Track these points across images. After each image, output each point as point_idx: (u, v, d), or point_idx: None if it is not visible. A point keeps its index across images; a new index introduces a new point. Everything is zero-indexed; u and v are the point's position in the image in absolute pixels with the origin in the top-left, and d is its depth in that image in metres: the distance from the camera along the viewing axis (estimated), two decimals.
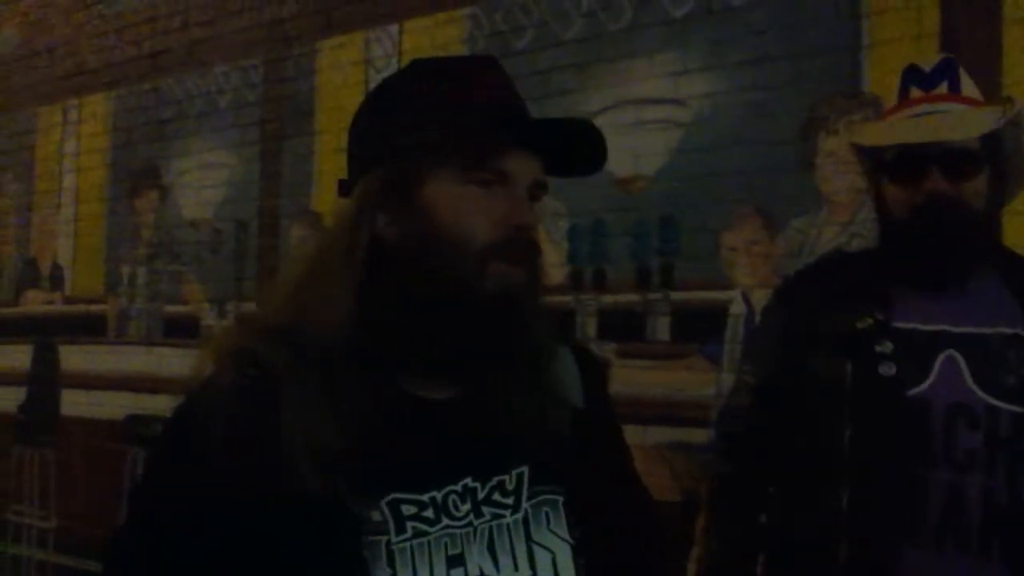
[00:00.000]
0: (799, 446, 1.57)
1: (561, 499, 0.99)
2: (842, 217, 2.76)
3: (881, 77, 2.71)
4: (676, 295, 2.94)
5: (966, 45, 2.62)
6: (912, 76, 1.53)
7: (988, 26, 2.62)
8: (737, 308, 2.84)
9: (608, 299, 3.07)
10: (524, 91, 1.06)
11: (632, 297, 3.01)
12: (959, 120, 1.46)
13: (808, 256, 2.75)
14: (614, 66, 3.19)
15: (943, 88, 1.49)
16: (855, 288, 1.55)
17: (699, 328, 2.90)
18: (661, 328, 2.97)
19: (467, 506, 0.95)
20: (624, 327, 3.03)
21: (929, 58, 1.61)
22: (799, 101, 2.83)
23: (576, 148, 1.01)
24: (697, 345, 2.90)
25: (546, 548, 0.97)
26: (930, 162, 1.43)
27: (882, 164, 1.50)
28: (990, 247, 1.57)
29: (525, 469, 0.98)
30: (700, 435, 2.75)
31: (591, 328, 3.07)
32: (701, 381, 2.82)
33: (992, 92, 2.52)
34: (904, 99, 1.52)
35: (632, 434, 1.16)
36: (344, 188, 1.03)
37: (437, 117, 0.97)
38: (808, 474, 1.57)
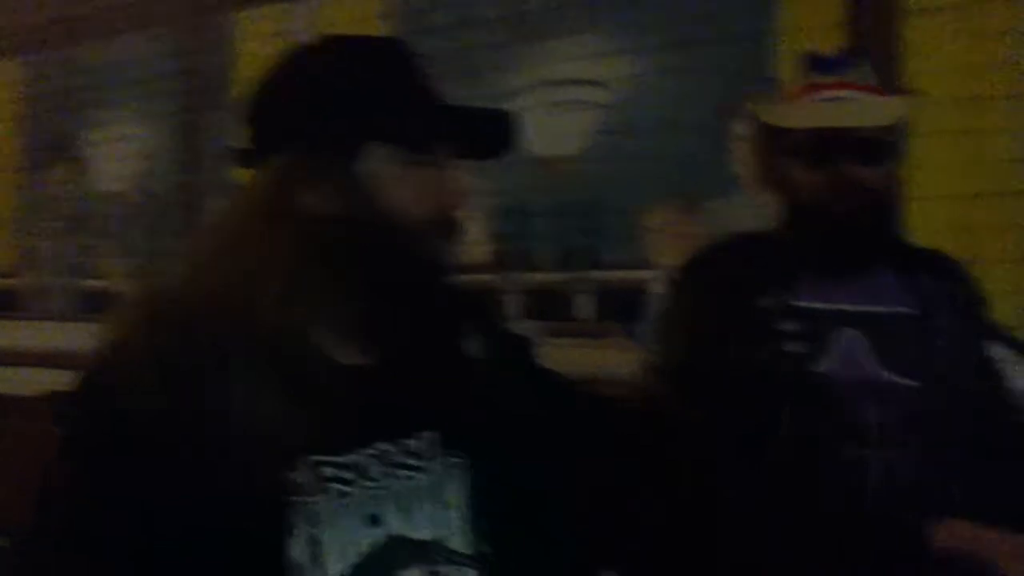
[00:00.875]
0: (709, 425, 1.62)
1: (469, 463, 1.04)
2: (759, 199, 2.86)
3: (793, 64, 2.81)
4: (599, 275, 3.02)
5: (871, 34, 2.73)
6: (816, 63, 1.56)
7: (891, 16, 2.73)
8: (658, 288, 2.93)
9: (532, 278, 3.14)
10: (443, 69, 1.11)
11: (556, 277, 3.09)
12: (875, 108, 1.53)
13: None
14: (536, 46, 3.23)
15: (851, 76, 1.54)
16: (759, 268, 1.57)
17: (622, 307, 2.98)
18: (586, 307, 3.05)
19: (383, 468, 0.99)
20: (549, 306, 3.10)
21: (833, 45, 1.68)
22: (716, 85, 2.91)
23: (493, 135, 1.08)
24: (621, 324, 2.98)
25: (456, 508, 1.03)
26: (845, 147, 1.48)
27: (792, 147, 1.53)
28: (894, 232, 1.66)
29: (437, 434, 1.03)
30: None
31: (516, 307, 3.14)
32: (624, 360, 2.90)
33: (893, 81, 2.65)
34: (811, 84, 1.54)
35: None
36: (248, 159, 1.04)
37: (374, 99, 1.01)
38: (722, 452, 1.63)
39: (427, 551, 1.00)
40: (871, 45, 2.73)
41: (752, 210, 2.86)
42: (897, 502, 1.53)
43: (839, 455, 1.52)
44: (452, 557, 1.01)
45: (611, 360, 2.96)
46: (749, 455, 1.51)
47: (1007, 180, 2.66)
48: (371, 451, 0.99)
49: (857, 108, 1.52)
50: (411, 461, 1.01)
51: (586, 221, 3.03)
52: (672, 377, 1.64)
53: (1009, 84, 2.70)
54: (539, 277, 3.09)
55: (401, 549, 0.99)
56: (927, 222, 2.48)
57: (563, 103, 3.13)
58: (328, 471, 0.95)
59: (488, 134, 1.08)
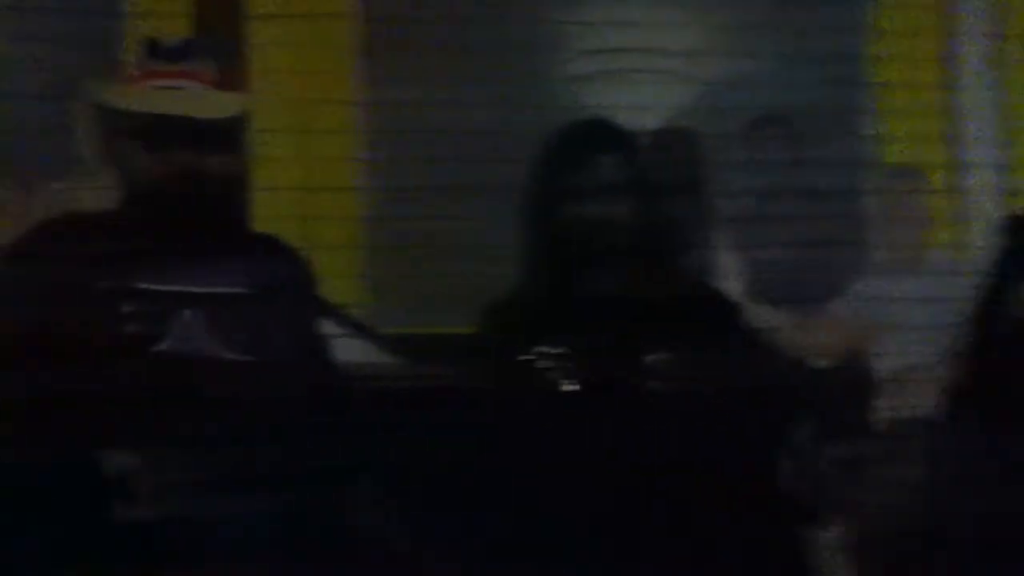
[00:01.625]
0: None
1: None
2: (104, 180, 2.79)
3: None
4: None
5: (217, 32, 2.83)
6: (156, 50, 1.65)
7: (236, 17, 2.86)
8: None
9: None
10: None
11: None
12: (209, 100, 1.65)
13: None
14: None
15: (188, 65, 1.64)
16: (98, 248, 1.60)
17: None
18: None
19: None
20: None
21: (173, 33, 1.74)
22: (63, 57, 2.77)
23: None
24: None
25: None
26: (181, 135, 1.58)
27: (131, 130, 1.60)
28: (235, 218, 1.76)
29: None
30: None
31: None
32: None
33: (236, 78, 2.79)
34: (151, 71, 1.63)
35: None
36: None
37: None
38: None
39: None
40: (216, 42, 2.84)
41: (96, 192, 2.79)
42: None
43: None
44: None
45: None
46: None
47: (341, 176, 2.96)
48: None
49: (191, 98, 1.62)
50: None
51: None
52: None
53: (343, 90, 3.00)
54: None
55: None
56: (271, 211, 2.65)
57: None
58: None
59: None
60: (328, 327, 1.91)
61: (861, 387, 2.23)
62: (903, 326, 2.43)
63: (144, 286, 1.58)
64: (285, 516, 1.52)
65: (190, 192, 1.60)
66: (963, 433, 1.66)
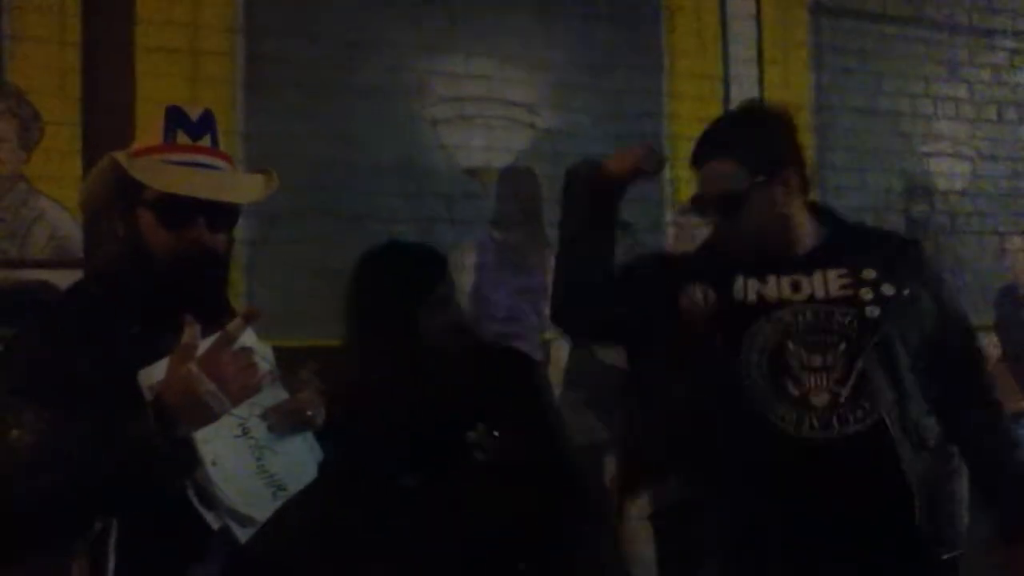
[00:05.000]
0: None
1: None
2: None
3: (22, 74, 2.92)
4: None
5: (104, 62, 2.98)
6: (179, 119, 1.61)
7: (124, 48, 3.02)
8: None
9: None
10: None
11: None
12: (238, 183, 1.64)
13: None
14: None
15: (207, 141, 1.61)
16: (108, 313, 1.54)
17: None
18: None
19: None
20: None
21: (192, 105, 1.66)
22: None
23: None
24: None
25: None
26: (198, 213, 1.54)
27: (144, 199, 1.55)
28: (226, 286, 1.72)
29: None
30: None
31: None
32: None
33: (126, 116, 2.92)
34: (172, 142, 1.59)
35: None
36: None
37: None
38: None
39: None
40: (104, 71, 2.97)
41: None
42: None
43: None
44: None
45: None
46: None
47: None
48: None
49: (220, 181, 1.58)
50: None
51: None
52: None
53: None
54: None
55: None
56: None
57: None
58: None
59: None
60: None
61: None
62: None
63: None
64: None
65: (197, 267, 1.57)
66: None
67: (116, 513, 1.47)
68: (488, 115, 3.47)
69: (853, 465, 1.76)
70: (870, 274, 1.84)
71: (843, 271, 1.85)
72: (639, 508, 3.32)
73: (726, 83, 3.83)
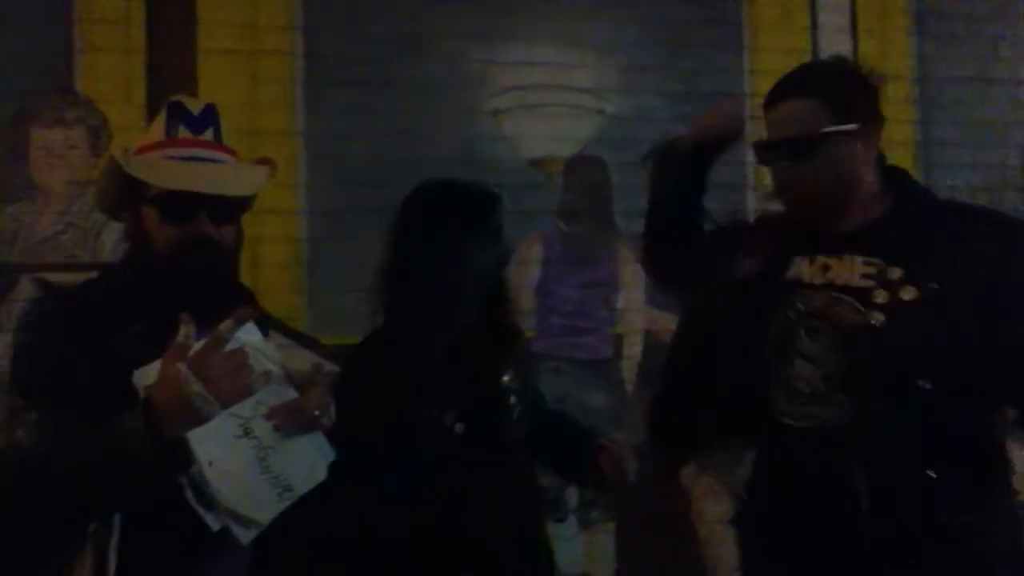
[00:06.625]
0: None
1: None
2: (58, 206, 2.96)
3: (91, 83, 3.01)
4: None
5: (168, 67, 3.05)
6: (180, 114, 1.60)
7: (186, 52, 3.08)
8: None
9: None
10: None
11: None
12: (239, 176, 1.61)
13: (25, 242, 2.90)
14: None
15: (209, 135, 1.61)
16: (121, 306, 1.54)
17: None
18: None
19: None
20: None
21: (189, 95, 1.71)
22: (10, 92, 2.93)
23: None
24: None
25: None
26: (199, 207, 1.54)
27: (147, 195, 1.56)
28: (235, 278, 1.76)
29: None
30: None
31: None
32: None
33: None
34: (173, 137, 1.59)
35: None
36: None
37: None
38: None
39: None
40: (168, 75, 3.06)
41: (51, 217, 2.96)
42: None
43: None
44: None
45: None
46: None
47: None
48: None
49: (220, 175, 1.57)
50: None
51: None
52: None
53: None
54: None
55: None
56: None
57: None
58: None
59: None
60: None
61: None
62: None
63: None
64: None
65: (201, 260, 1.56)
66: None
67: (116, 513, 1.47)
68: (552, 103, 3.37)
69: (816, 459, 1.72)
70: (895, 273, 1.68)
71: (873, 262, 1.70)
72: (719, 513, 3.20)
73: (814, 58, 3.58)
